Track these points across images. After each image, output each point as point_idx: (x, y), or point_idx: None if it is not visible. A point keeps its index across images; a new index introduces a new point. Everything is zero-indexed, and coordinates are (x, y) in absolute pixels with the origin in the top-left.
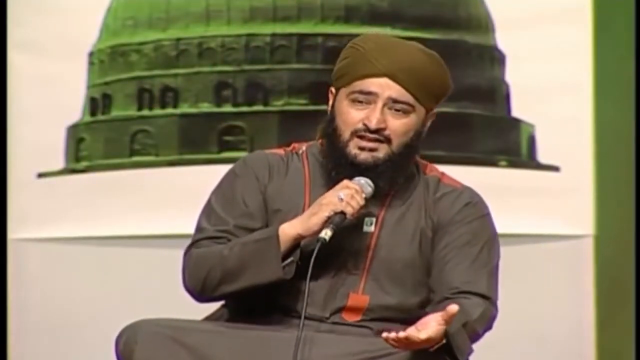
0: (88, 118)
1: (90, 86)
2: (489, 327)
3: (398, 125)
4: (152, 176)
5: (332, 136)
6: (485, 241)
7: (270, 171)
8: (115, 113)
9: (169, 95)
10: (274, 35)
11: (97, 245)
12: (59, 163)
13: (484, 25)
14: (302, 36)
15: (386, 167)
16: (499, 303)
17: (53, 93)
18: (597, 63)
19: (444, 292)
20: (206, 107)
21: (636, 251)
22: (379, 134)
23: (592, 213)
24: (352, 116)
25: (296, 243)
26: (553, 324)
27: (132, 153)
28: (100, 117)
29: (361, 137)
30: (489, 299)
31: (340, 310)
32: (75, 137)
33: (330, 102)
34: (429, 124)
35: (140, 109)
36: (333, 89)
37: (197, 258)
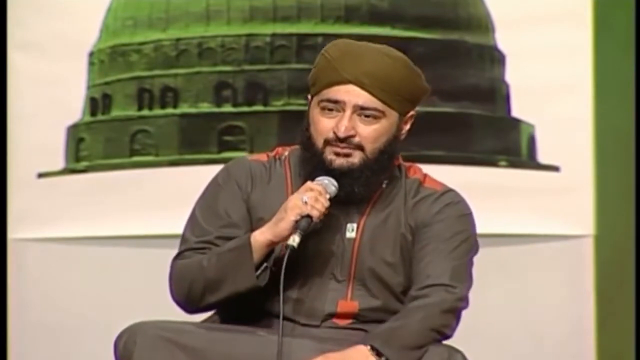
0: (88, 118)
1: (90, 86)
2: (445, 330)
3: (369, 131)
4: (152, 176)
5: (307, 144)
6: (463, 239)
7: (252, 179)
8: (115, 113)
9: (169, 95)
10: (274, 35)
11: (97, 245)
12: (59, 163)
13: (484, 25)
14: (302, 36)
15: (361, 172)
16: (499, 303)
17: (53, 93)
18: (597, 63)
19: (413, 289)
20: (206, 107)
21: (636, 251)
22: (349, 142)
23: (592, 213)
24: (323, 125)
25: (270, 249)
26: (553, 324)
27: (132, 153)
28: (100, 117)
29: (335, 145)
30: (451, 286)
31: (330, 317)
32: (75, 137)
33: (308, 109)
34: (407, 126)
35: (140, 109)
36: (309, 96)
37: (180, 270)
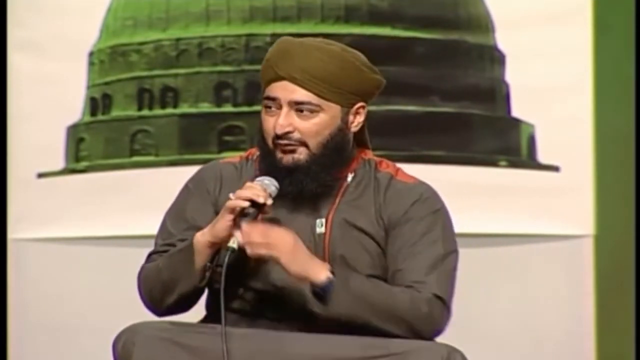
0: (88, 118)
1: (90, 86)
2: (423, 323)
3: (308, 126)
4: (152, 176)
5: (260, 143)
6: (435, 239)
7: (221, 182)
8: (115, 113)
9: (169, 95)
10: (274, 35)
11: (97, 245)
12: (59, 163)
13: (484, 25)
14: (302, 36)
15: (308, 168)
16: (499, 303)
17: (53, 93)
18: (597, 63)
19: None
20: (206, 107)
21: (636, 251)
22: (289, 138)
23: (592, 213)
24: (266, 124)
25: (213, 250)
26: (553, 324)
27: (132, 153)
28: (100, 117)
29: (278, 143)
30: (440, 298)
31: (311, 312)
32: (75, 137)
33: None
34: (359, 118)
35: (140, 109)
36: None
37: (143, 274)
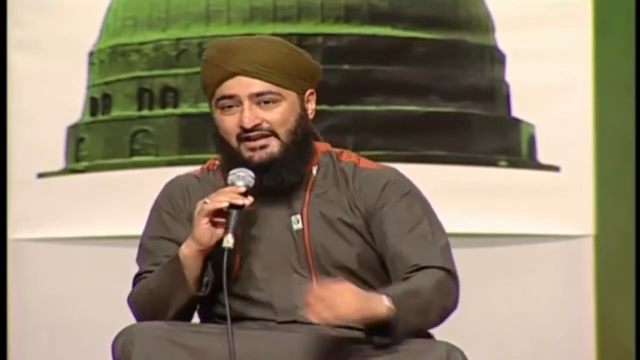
0: (88, 118)
1: (90, 86)
2: (450, 300)
3: (274, 115)
4: (152, 176)
5: (222, 147)
6: (420, 218)
7: (188, 194)
8: (115, 113)
9: (169, 95)
10: (274, 35)
11: (97, 245)
12: (59, 163)
13: (484, 25)
14: (302, 36)
15: (283, 159)
16: (499, 303)
17: (53, 93)
18: (597, 63)
19: (402, 274)
20: (206, 107)
21: (636, 251)
22: (260, 130)
23: (592, 213)
24: (227, 124)
25: (203, 256)
26: (553, 324)
27: (132, 153)
28: (100, 117)
29: (247, 140)
30: (448, 270)
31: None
32: (75, 137)
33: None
34: (312, 105)
35: (140, 109)
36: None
37: (134, 299)
